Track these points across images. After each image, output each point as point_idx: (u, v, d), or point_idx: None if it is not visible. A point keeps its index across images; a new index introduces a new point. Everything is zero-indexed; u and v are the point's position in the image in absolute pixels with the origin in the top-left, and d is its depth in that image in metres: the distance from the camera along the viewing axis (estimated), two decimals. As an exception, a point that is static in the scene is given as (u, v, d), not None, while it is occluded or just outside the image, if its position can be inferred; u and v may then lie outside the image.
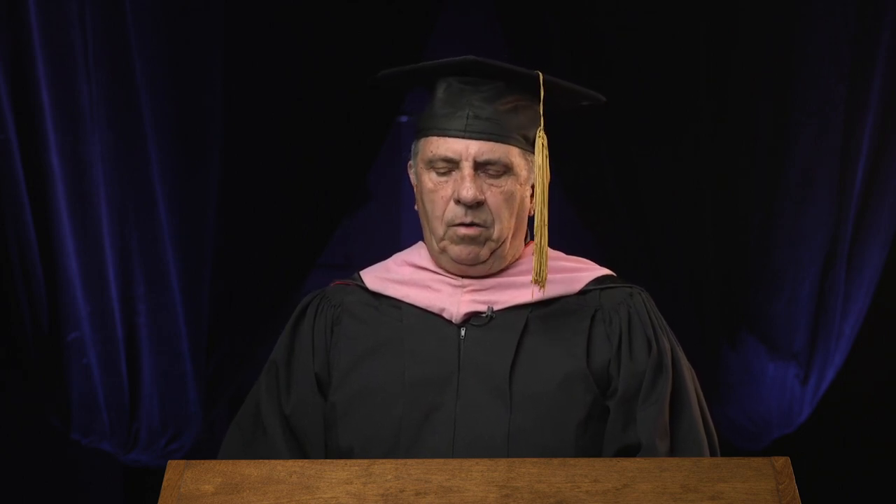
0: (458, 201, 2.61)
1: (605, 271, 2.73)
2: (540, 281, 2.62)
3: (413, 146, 2.71)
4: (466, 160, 2.61)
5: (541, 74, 2.63)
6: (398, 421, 2.57)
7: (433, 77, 2.68)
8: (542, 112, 2.64)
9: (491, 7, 5.15)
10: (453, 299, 2.65)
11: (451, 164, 2.63)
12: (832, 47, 5.01)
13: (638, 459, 2.25)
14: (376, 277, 2.74)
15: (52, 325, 4.75)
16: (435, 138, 2.64)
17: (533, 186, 2.68)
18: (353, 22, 4.96)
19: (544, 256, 2.62)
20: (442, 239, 2.65)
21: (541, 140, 2.63)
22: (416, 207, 2.73)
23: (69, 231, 4.73)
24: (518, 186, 2.65)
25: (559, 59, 5.04)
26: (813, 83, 5.03)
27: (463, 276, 2.67)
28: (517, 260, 2.70)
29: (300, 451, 2.63)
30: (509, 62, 2.67)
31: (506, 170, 2.63)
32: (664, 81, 5.05)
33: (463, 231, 2.63)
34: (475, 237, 2.63)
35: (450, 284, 2.67)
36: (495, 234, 2.63)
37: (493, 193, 2.62)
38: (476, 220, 2.62)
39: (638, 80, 5.05)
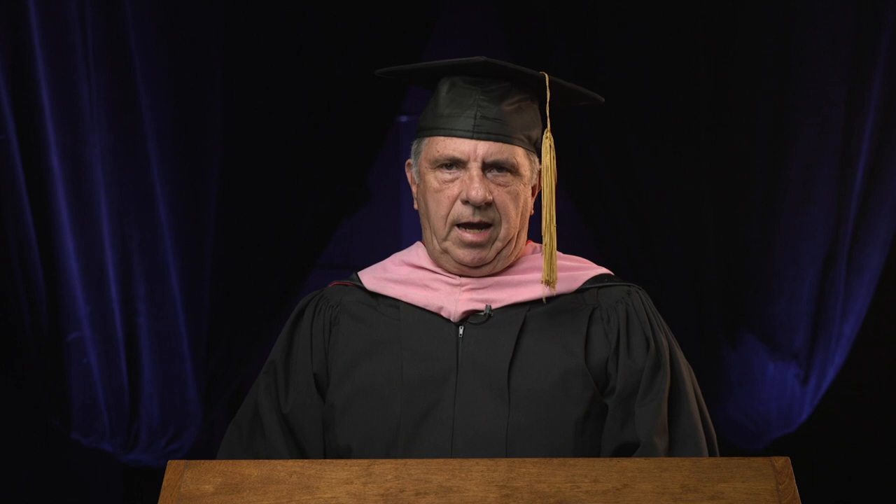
0: (465, 201, 2.61)
1: (603, 270, 2.73)
2: (551, 282, 2.61)
3: (414, 144, 2.70)
4: (475, 161, 2.61)
5: (546, 76, 2.63)
6: (397, 419, 2.57)
7: (436, 75, 2.67)
8: (547, 113, 2.64)
9: (491, 7, 5.15)
10: (451, 298, 2.65)
11: (458, 164, 2.62)
12: (832, 47, 5.01)
13: (638, 459, 2.25)
14: (374, 277, 2.73)
15: (52, 325, 4.75)
16: (441, 138, 2.63)
17: (534, 187, 2.68)
18: (353, 21, 4.96)
19: (553, 257, 2.62)
20: (445, 239, 2.64)
21: (548, 141, 2.63)
22: (414, 206, 2.72)
23: (69, 231, 4.73)
24: (522, 186, 2.65)
25: (559, 59, 5.03)
26: (813, 83, 5.03)
27: (461, 275, 2.67)
28: (516, 259, 2.70)
29: (298, 450, 2.63)
30: (511, 62, 2.67)
31: (512, 170, 2.63)
32: (664, 81, 5.05)
33: (470, 237, 2.62)
34: (482, 243, 2.63)
35: (448, 283, 2.67)
36: (502, 234, 2.63)
37: (500, 193, 2.62)
38: (484, 219, 2.61)
39: (638, 80, 5.05)
